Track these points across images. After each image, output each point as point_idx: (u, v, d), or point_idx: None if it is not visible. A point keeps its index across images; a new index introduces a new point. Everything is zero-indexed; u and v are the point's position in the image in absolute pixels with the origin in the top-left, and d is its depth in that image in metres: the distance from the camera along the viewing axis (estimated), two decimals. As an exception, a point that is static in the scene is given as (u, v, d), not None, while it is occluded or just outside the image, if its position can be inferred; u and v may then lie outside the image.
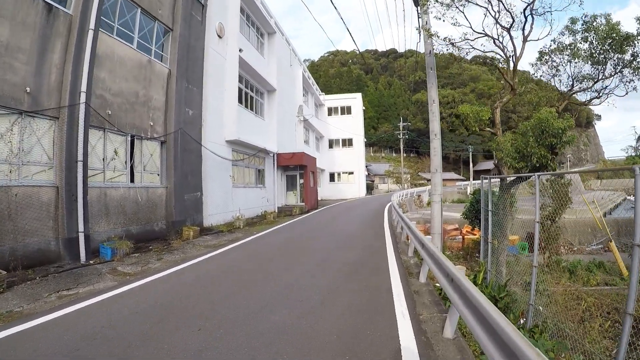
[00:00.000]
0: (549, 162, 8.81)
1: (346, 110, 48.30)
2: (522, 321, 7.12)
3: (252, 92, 21.67)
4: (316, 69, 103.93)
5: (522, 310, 7.44)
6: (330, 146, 46.75)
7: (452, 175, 73.81)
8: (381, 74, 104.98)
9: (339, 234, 13.41)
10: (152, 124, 12.32)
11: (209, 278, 7.35)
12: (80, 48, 9.55)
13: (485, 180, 10.33)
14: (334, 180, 46.40)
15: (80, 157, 9.26)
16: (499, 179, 10.47)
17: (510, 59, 11.02)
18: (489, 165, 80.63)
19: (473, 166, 65.24)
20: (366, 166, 58.85)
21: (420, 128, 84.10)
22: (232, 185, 17.67)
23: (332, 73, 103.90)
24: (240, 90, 19.68)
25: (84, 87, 9.53)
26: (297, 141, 30.35)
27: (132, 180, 11.54)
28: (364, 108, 53.09)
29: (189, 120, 14.34)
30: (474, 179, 56.57)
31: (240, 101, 19.54)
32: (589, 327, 7.45)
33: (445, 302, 6.10)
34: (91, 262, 8.95)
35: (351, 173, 47.31)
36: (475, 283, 8.74)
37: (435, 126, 11.15)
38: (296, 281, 6.92)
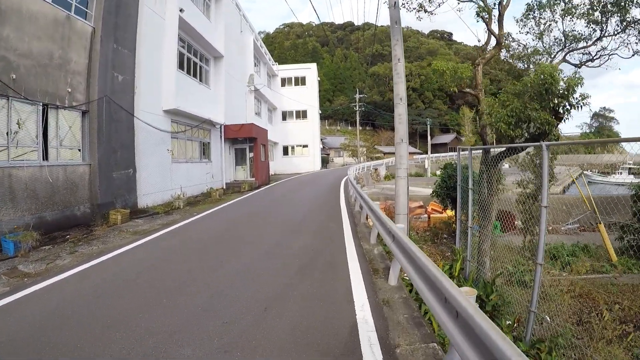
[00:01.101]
0: (553, 129, 7.41)
1: (300, 81, 46.64)
2: (515, 325, 6.07)
3: (196, 58, 19.73)
4: (271, 41, 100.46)
5: (517, 316, 6.27)
6: (284, 118, 45.24)
7: (410, 148, 74.28)
8: (337, 47, 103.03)
9: (290, 215, 12.30)
10: (70, 90, 10.52)
11: (118, 281, 5.95)
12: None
13: (463, 152, 9.12)
14: (287, 154, 45.13)
15: (-29, 130, 7.60)
16: (481, 151, 9.19)
17: (496, 7, 9.75)
18: (445, 139, 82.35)
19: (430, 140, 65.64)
20: (321, 139, 57.89)
21: (377, 101, 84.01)
22: (171, 161, 16.05)
23: (288, 45, 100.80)
24: (182, 55, 17.81)
25: (-25, 45, 7.80)
26: (248, 112, 28.68)
27: (45, 158, 9.82)
28: (319, 79, 51.60)
29: (119, 88, 12.55)
30: (431, 153, 57.22)
31: (181, 67, 17.71)
32: (598, 334, 6.33)
33: (423, 310, 4.85)
34: (-10, 258, 7.51)
35: (305, 146, 46.20)
36: (451, 275, 7.65)
37: (400, 89, 9.66)
38: (229, 287, 5.50)
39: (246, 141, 24.58)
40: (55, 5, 10.18)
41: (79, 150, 11.06)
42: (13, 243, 7.87)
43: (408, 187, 9.85)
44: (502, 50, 10.27)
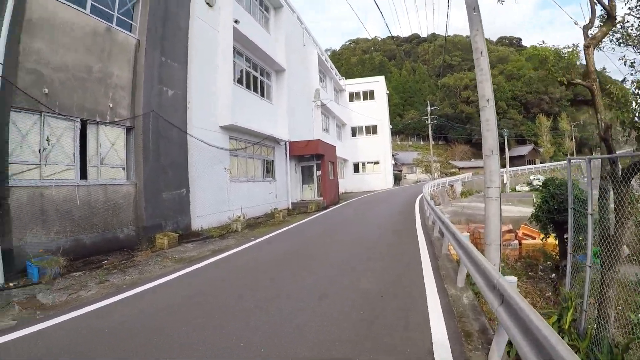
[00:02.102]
0: None
1: (369, 95, 44.80)
2: None
3: (255, 72, 18.84)
4: (338, 57, 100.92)
5: None
6: (354, 134, 43.50)
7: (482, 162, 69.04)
8: (405, 60, 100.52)
9: (356, 243, 9.87)
10: (111, 105, 9.72)
11: (140, 325, 4.55)
12: (-3, 10, 7.09)
13: (574, 162, 6.67)
14: (358, 171, 43.12)
15: (-7, 147, 6.80)
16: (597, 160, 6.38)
17: None
18: (522, 150, 75.38)
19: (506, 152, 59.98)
20: (393, 155, 55.36)
21: (449, 113, 79.91)
22: (229, 180, 14.91)
23: (354, 61, 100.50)
24: (240, 69, 16.99)
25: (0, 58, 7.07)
26: (315, 129, 27.41)
27: (83, 177, 8.98)
28: (387, 92, 49.45)
29: (169, 102, 11.69)
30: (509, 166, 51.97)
31: (240, 81, 16.85)
32: None
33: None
34: (11, 284, 6.59)
35: (377, 163, 43.83)
36: (560, 329, 5.09)
37: (485, 88, 7.59)
38: (280, 347, 3.80)
39: (313, 158, 23.16)
40: (94, 16, 9.54)
41: (123, 169, 10.15)
42: (37, 268, 6.89)
43: (501, 211, 7.46)
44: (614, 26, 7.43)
